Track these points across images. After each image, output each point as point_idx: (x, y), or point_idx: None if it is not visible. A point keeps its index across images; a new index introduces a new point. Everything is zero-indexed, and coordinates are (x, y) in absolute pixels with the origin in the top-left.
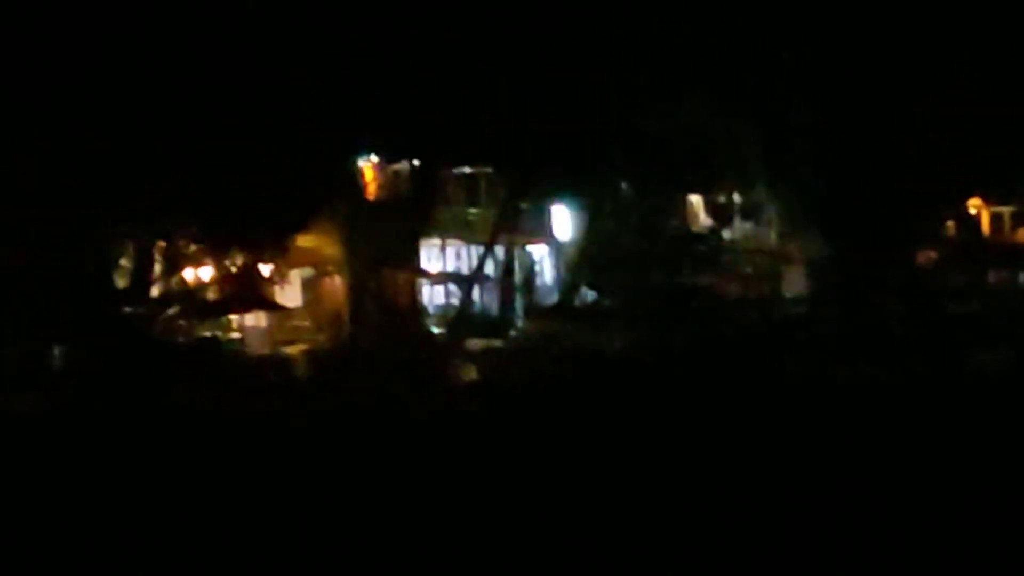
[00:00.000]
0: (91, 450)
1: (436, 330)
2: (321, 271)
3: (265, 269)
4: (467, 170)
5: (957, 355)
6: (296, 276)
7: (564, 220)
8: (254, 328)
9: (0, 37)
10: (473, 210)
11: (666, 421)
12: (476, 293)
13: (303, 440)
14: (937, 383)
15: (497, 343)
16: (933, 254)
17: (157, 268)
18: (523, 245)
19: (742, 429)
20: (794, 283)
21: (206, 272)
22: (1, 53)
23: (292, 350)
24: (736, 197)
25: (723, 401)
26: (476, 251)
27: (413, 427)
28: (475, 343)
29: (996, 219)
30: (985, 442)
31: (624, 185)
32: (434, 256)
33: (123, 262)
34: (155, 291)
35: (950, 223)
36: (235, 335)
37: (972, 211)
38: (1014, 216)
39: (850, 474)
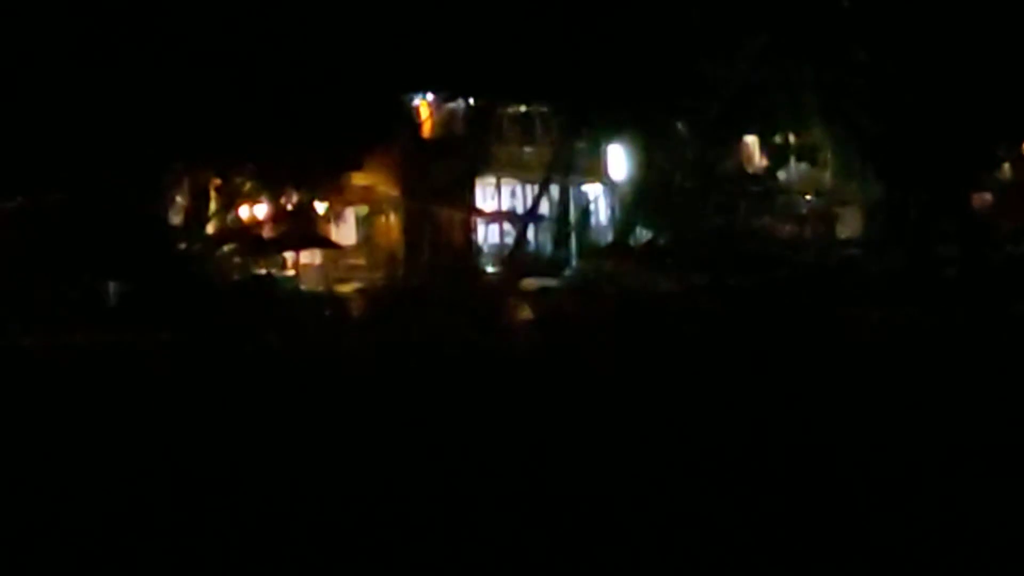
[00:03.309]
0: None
1: (491, 269)
2: (376, 209)
3: (320, 207)
4: (523, 109)
5: (1012, 296)
6: (351, 214)
7: (620, 160)
8: (309, 266)
9: None
10: (528, 149)
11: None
12: (531, 232)
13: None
14: (991, 324)
15: (552, 282)
16: (988, 196)
17: (213, 205)
18: (578, 184)
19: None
20: (849, 225)
21: (261, 210)
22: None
23: (347, 288)
24: (792, 139)
25: (776, 342)
26: (531, 190)
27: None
28: (530, 282)
29: None
30: None
31: (680, 125)
32: (489, 195)
33: (179, 199)
34: (211, 228)
35: (1005, 165)
36: (290, 273)
37: None
38: None
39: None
